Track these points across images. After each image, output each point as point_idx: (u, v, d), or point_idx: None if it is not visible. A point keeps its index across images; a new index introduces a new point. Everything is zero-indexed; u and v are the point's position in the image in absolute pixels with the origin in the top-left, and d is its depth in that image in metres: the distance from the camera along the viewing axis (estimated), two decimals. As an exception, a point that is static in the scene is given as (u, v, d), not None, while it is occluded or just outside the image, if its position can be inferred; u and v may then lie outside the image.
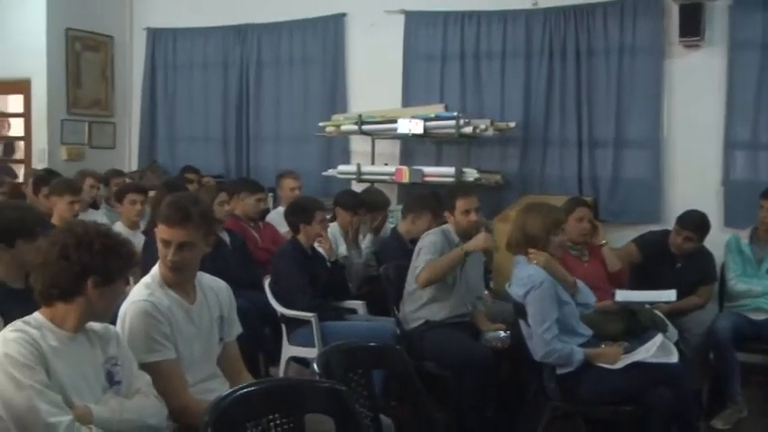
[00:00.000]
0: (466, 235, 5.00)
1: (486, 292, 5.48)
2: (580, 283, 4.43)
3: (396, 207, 7.16)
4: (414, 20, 7.92)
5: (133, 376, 2.80)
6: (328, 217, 5.86)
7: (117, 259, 2.62)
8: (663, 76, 6.96)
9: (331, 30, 8.38)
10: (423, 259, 4.94)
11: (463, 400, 4.68)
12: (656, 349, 4.05)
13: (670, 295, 5.03)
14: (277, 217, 6.79)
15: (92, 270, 2.58)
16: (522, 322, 4.28)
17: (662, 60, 6.96)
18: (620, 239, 6.22)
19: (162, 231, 3.20)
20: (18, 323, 2.58)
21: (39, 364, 2.46)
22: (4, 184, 7.58)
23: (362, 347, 3.45)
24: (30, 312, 2.67)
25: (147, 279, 3.22)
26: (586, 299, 4.42)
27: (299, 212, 5.39)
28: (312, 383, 2.94)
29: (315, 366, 3.08)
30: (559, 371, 4.13)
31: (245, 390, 2.63)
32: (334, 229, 6.00)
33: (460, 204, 5.04)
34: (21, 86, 8.88)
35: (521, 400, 4.86)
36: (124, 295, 3.08)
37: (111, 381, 2.70)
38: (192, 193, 3.75)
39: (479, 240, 4.87)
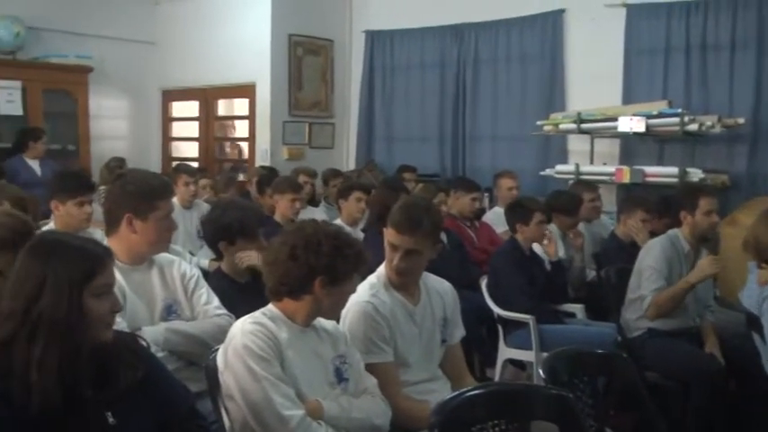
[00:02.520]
0: (702, 238, 4.71)
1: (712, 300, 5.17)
2: None
3: (612, 209, 6.93)
4: (636, 12, 7.64)
5: (360, 376, 2.82)
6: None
7: (344, 261, 2.63)
8: None
9: (549, 26, 8.24)
10: (648, 287, 4.69)
11: (689, 414, 4.43)
12: None
13: None
14: (493, 217, 6.74)
15: (319, 271, 2.60)
16: (755, 335, 3.98)
17: None
18: None
19: (391, 235, 3.19)
20: (256, 314, 2.66)
21: (274, 357, 2.53)
22: (233, 183, 7.94)
23: (589, 354, 3.32)
24: (255, 305, 2.76)
25: (372, 279, 3.23)
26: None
27: (518, 212, 5.30)
28: (539, 389, 2.86)
29: (539, 371, 3.00)
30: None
31: (471, 393, 2.59)
32: (552, 230, 5.86)
33: (704, 204, 4.68)
34: (246, 91, 9.35)
35: (748, 419, 4.53)
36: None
37: (340, 377, 2.73)
38: (425, 200, 3.73)
39: (704, 268, 4.49)
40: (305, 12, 9.29)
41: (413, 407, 3.00)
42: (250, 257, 3.67)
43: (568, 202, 6.05)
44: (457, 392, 2.61)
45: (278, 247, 2.66)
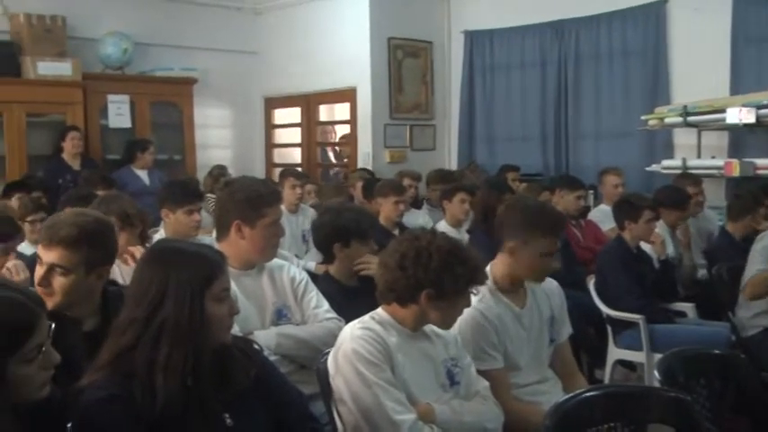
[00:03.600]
0: None
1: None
2: None
3: (721, 204, 6.73)
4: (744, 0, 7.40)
5: (472, 379, 2.80)
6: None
7: (453, 278, 2.59)
8: None
9: (652, 18, 8.04)
10: (752, 268, 4.57)
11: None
12: None
13: None
14: (599, 215, 6.64)
15: (425, 284, 2.58)
16: None
17: None
18: None
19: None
20: (365, 319, 2.68)
21: (384, 362, 2.54)
22: (343, 191, 7.97)
23: (706, 354, 3.22)
24: (362, 309, 2.77)
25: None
26: None
27: (627, 209, 5.19)
28: (656, 391, 2.78)
29: (654, 372, 2.93)
30: None
31: (587, 394, 2.56)
32: (661, 227, 5.72)
33: None
34: (347, 95, 9.42)
35: None
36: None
37: (452, 380, 2.73)
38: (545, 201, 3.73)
39: None
40: (403, 15, 9.30)
41: (524, 410, 2.98)
42: (369, 266, 3.64)
43: (677, 196, 5.90)
44: (572, 394, 2.57)
45: (390, 252, 2.67)
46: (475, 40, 9.47)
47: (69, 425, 2.04)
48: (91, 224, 2.68)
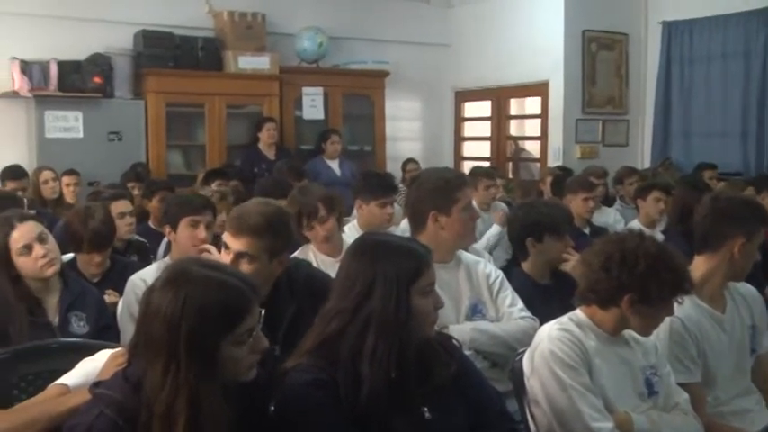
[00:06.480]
0: None
1: None
2: None
3: None
4: None
5: (671, 390, 2.68)
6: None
7: (659, 284, 2.48)
8: None
9: None
10: None
11: None
12: None
13: None
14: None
15: (629, 288, 2.49)
16: None
17: None
18: None
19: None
20: (563, 320, 2.61)
21: (582, 366, 2.47)
22: (532, 190, 7.89)
23: None
24: (554, 307, 2.72)
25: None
26: None
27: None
28: None
29: None
30: None
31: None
32: None
33: None
34: (539, 89, 9.32)
35: None
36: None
37: (651, 390, 2.61)
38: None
39: None
40: (599, 6, 9.08)
41: (724, 428, 2.81)
42: (568, 262, 3.61)
43: None
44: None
45: (595, 252, 2.59)
46: (673, 30, 9.10)
47: (272, 407, 2.11)
48: (275, 214, 2.83)
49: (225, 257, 2.79)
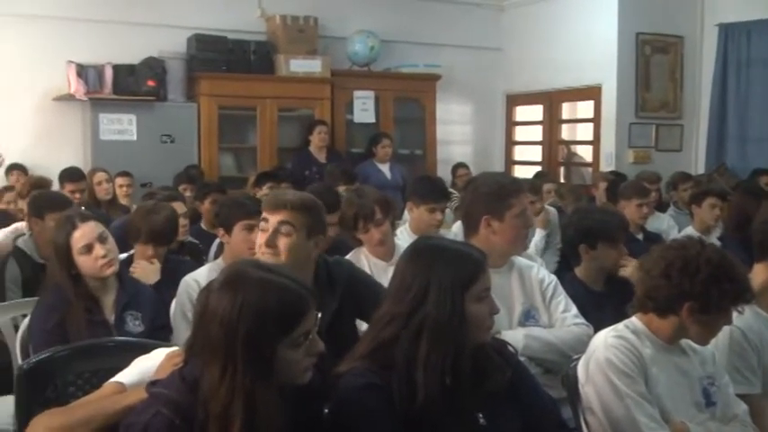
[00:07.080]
0: None
1: None
2: None
3: None
4: None
5: (730, 401, 2.62)
6: None
7: (720, 293, 2.43)
8: None
9: None
10: None
11: None
12: None
13: None
14: None
15: (690, 296, 2.45)
16: None
17: None
18: None
19: None
20: (619, 327, 2.58)
21: (638, 374, 2.44)
22: (580, 196, 7.79)
23: None
24: (607, 314, 2.73)
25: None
26: None
27: None
28: None
29: None
30: None
31: None
32: None
33: None
34: (592, 93, 9.22)
35: None
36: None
37: (708, 400, 2.57)
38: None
39: None
40: (653, 8, 8.96)
41: None
42: (626, 268, 3.58)
43: None
44: None
45: (654, 259, 2.54)
46: (730, 33, 8.93)
47: (326, 410, 2.12)
48: (308, 197, 2.92)
49: (261, 238, 2.81)
